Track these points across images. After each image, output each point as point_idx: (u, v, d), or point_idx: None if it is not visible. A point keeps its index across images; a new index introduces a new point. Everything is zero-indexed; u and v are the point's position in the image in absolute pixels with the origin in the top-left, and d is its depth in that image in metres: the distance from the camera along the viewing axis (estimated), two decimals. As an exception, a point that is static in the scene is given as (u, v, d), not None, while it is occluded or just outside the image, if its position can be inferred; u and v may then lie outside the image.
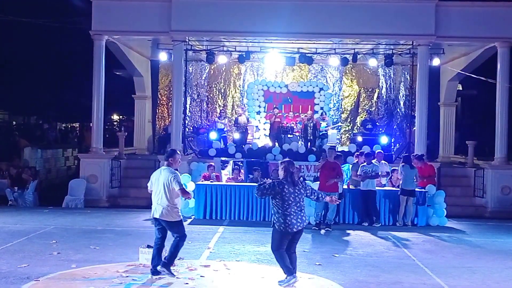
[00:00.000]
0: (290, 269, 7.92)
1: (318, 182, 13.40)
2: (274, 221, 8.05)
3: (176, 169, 8.38)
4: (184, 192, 8.21)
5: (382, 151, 15.92)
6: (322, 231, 12.83)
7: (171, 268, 8.28)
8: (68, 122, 32.80)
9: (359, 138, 19.21)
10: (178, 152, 8.64)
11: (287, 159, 8.32)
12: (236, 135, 19.34)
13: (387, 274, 8.98)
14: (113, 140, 21.27)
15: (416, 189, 14.06)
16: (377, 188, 14.16)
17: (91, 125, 18.31)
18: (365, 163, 14.11)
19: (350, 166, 15.05)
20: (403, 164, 14.13)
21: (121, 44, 19.17)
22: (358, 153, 15.03)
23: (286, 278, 7.93)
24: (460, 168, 18.97)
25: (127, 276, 8.23)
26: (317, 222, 13.20)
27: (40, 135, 24.44)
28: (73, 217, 14.19)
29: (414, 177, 13.85)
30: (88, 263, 9.07)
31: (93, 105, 17.45)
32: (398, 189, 14.11)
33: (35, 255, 9.68)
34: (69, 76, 27.17)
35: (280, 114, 20.37)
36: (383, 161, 15.15)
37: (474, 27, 16.87)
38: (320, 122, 20.21)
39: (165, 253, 8.41)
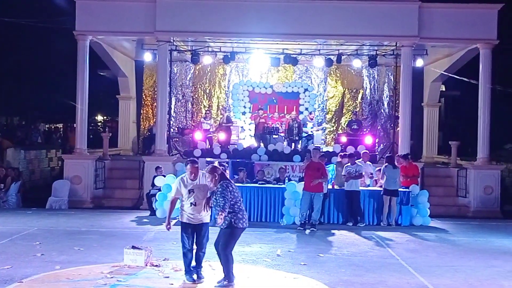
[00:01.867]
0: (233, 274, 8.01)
1: (303, 182, 13.44)
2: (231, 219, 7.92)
3: (185, 176, 8.36)
4: (170, 202, 8.55)
5: (367, 152, 16.02)
6: (307, 231, 12.88)
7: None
8: (52, 122, 32.52)
9: (344, 139, 19.28)
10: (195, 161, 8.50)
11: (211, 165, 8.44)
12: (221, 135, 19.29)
13: (371, 274, 9.05)
14: (98, 141, 21.16)
15: (400, 189, 14.17)
16: (361, 188, 14.24)
17: (75, 125, 18.21)
18: (349, 164, 14.20)
19: (335, 166, 15.15)
20: (385, 164, 14.26)
21: (105, 45, 19.08)
22: (342, 154, 15.09)
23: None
24: (443, 168, 19.14)
25: (111, 277, 8.21)
26: (302, 222, 13.25)
27: (23, 135, 24.21)
28: (57, 218, 14.10)
29: (397, 178, 13.96)
30: (72, 264, 9.03)
31: (77, 105, 17.36)
32: (381, 189, 14.22)
33: (18, 256, 9.61)
34: (52, 76, 26.92)
35: (265, 115, 20.40)
36: (368, 162, 15.24)
37: (456, 28, 17.02)
38: (307, 122, 20.30)
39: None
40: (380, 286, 8.28)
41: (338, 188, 14.39)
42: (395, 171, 14.06)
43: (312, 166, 13.28)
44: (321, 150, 15.74)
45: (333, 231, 13.08)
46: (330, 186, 14.29)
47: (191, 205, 8.13)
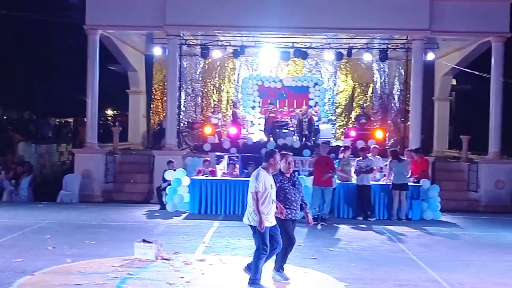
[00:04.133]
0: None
1: (313, 177, 13.41)
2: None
3: (274, 171, 7.85)
4: (254, 197, 7.44)
5: (377, 146, 15.95)
6: (319, 226, 12.84)
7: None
8: (63, 117, 32.68)
9: (353, 133, 19.21)
10: (277, 152, 8.07)
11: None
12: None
13: (382, 268, 9.01)
14: (108, 135, 21.22)
15: (409, 183, 14.10)
16: (371, 182, 14.19)
17: (85, 120, 18.27)
18: (360, 158, 14.16)
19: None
20: (391, 159, 14.19)
21: (115, 39, 19.11)
22: (343, 147, 14.96)
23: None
24: (454, 163, 19.03)
25: (122, 271, 8.22)
26: (315, 216, 13.22)
27: (34, 130, 24.34)
28: (68, 212, 14.16)
29: (404, 171, 13.89)
30: (83, 258, 9.06)
31: (88, 100, 17.41)
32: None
33: (30, 249, 9.65)
34: (63, 71, 27.07)
35: (275, 109, 20.36)
36: (377, 156, 15.18)
37: (468, 21, 16.89)
38: (313, 116, 20.22)
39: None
40: (390, 281, 8.24)
41: (346, 182, 14.32)
42: (401, 165, 13.98)
43: (321, 160, 13.25)
44: (330, 145, 15.67)
45: (343, 226, 13.05)
46: (338, 181, 14.26)
47: (273, 202, 7.60)
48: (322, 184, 13.07)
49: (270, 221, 7.53)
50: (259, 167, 7.77)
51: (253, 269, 7.61)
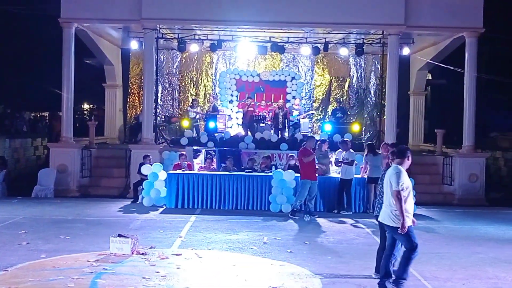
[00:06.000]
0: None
1: (302, 172, 13.44)
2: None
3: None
4: (397, 197, 7.17)
5: (348, 140, 15.93)
6: (308, 218, 12.99)
7: None
8: (38, 111, 32.30)
9: (330, 127, 19.29)
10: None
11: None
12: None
13: (357, 261, 9.11)
14: (84, 130, 21.04)
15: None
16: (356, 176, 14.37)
17: (60, 114, 18.07)
18: (340, 150, 14.36)
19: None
20: (366, 153, 14.30)
21: (91, 32, 18.91)
22: (320, 141, 15.01)
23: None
24: (429, 156, 19.24)
25: (98, 266, 8.19)
26: (295, 210, 13.37)
27: (8, 124, 24.03)
28: (43, 207, 14.03)
29: (379, 165, 14.01)
30: (58, 253, 9.00)
31: (63, 94, 17.23)
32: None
33: (3, 245, 9.56)
34: (38, 64, 26.69)
35: (253, 103, 20.38)
36: (351, 150, 15.24)
37: (443, 17, 17.05)
38: (292, 110, 20.29)
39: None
40: (365, 273, 8.33)
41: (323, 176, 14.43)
42: (376, 159, 14.07)
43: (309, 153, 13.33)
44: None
45: (319, 219, 13.13)
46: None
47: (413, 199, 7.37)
48: (313, 178, 13.22)
49: (411, 218, 7.35)
50: (395, 164, 7.47)
51: (401, 269, 7.33)
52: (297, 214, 13.28)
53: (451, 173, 17.35)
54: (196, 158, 17.00)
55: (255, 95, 21.48)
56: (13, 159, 20.21)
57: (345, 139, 15.18)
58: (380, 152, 14.44)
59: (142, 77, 19.24)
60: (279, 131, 18.95)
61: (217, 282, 7.63)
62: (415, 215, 7.78)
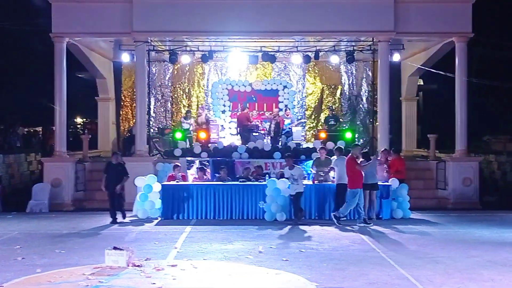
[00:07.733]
0: None
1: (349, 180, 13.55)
2: None
3: None
4: None
5: (324, 147, 15.94)
6: (371, 225, 13.23)
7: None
8: (31, 126, 32.21)
9: (323, 135, 19.34)
10: None
11: None
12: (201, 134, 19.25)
13: (353, 267, 9.13)
14: (77, 143, 20.97)
15: (379, 183, 14.26)
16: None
17: (54, 128, 18.06)
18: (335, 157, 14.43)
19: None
20: (361, 160, 14.30)
21: (82, 46, 18.95)
22: (319, 148, 15.10)
23: None
24: (422, 161, 19.30)
25: (93, 279, 8.17)
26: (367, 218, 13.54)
27: (1, 140, 23.93)
28: (38, 222, 14.01)
29: (374, 171, 14.05)
30: (53, 267, 8.98)
31: (56, 108, 17.23)
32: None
33: (-1, 261, 9.54)
34: (30, 79, 26.66)
35: (248, 113, 20.41)
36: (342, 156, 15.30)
37: (432, 22, 17.17)
38: (284, 119, 20.35)
39: None
40: (361, 279, 8.35)
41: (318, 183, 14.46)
42: (372, 165, 14.09)
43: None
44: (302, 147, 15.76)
45: (314, 227, 13.15)
46: (310, 182, 14.40)
47: None
48: (361, 186, 13.46)
49: None
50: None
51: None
52: (341, 221, 13.37)
53: (445, 178, 17.40)
54: (190, 169, 17.00)
55: (248, 104, 21.49)
56: (8, 174, 20.13)
57: (339, 146, 15.22)
58: (372, 158, 14.43)
59: (134, 90, 19.27)
60: (272, 140, 18.99)
61: (213, 292, 7.64)
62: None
